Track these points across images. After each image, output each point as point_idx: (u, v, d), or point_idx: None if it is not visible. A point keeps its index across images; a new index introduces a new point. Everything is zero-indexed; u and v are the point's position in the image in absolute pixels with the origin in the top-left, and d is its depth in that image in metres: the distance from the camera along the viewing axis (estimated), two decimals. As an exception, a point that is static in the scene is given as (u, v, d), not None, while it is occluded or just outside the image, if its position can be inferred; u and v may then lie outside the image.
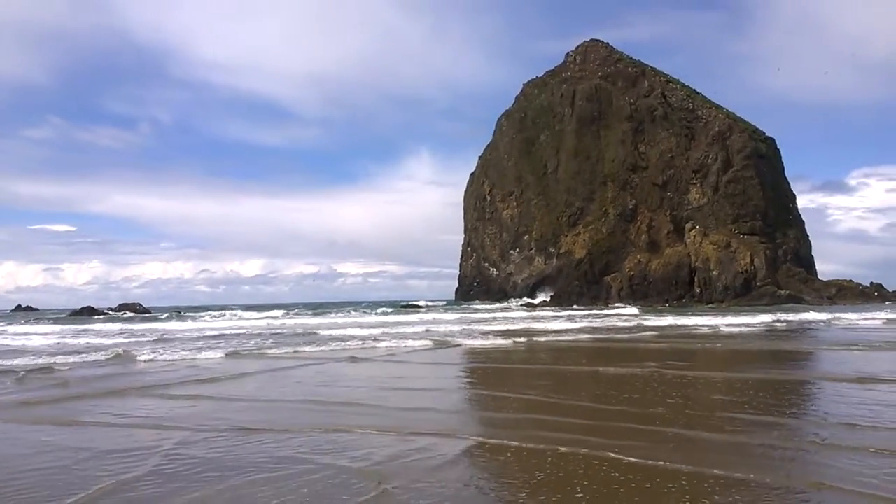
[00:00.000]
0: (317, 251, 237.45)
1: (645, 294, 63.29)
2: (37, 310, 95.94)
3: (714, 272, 61.77)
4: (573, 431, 6.41)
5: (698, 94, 75.72)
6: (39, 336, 24.32)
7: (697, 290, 62.22)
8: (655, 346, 17.20)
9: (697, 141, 69.89)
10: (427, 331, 22.98)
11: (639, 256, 67.26)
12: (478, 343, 18.57)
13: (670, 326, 25.27)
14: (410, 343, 18.47)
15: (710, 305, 55.22)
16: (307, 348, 16.87)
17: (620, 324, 27.59)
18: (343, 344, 18.05)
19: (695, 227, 65.44)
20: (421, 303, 75.27)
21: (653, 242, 68.15)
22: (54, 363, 13.63)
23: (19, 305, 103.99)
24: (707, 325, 25.13)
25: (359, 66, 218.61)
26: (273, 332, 24.98)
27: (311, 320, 36.86)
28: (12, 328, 32.62)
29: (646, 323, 27.63)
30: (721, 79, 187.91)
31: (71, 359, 14.56)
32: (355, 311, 55.30)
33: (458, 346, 17.92)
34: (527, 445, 5.88)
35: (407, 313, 46.60)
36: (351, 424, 6.94)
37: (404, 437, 6.31)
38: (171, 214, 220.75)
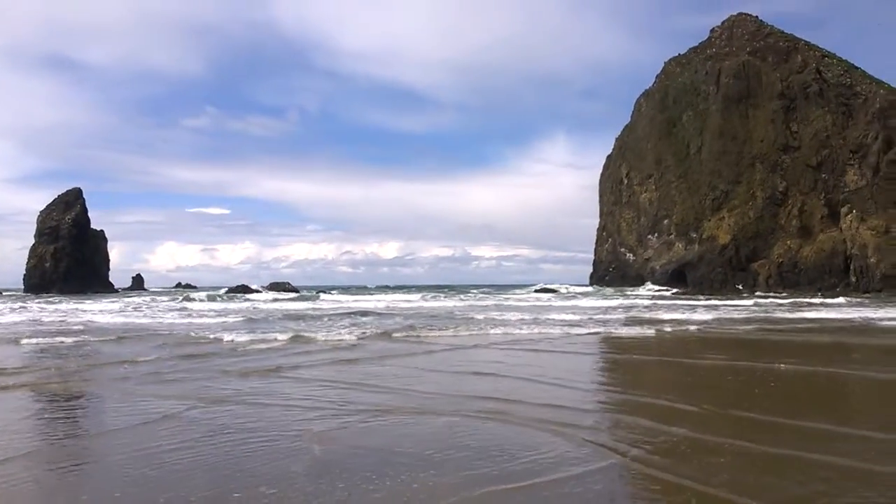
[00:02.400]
0: (451, 234, 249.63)
1: (795, 282, 65.39)
2: (195, 287, 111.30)
3: (872, 260, 62.29)
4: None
5: (857, 68, 75.33)
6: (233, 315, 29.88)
7: (853, 279, 62.56)
8: (829, 340, 16.97)
9: (856, 119, 70.21)
10: (583, 319, 23.81)
11: (789, 242, 69.22)
12: (623, 332, 18.90)
13: (836, 319, 24.11)
14: (552, 330, 19.03)
15: (867, 296, 56.61)
16: (444, 332, 18.41)
17: (779, 314, 27.47)
18: (488, 328, 19.51)
19: (851, 212, 65.95)
20: (559, 287, 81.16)
21: (804, 227, 69.65)
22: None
23: (179, 283, 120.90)
24: (875, 318, 24.08)
25: (496, 49, 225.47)
26: (413, 314, 28.79)
27: (451, 303, 41.29)
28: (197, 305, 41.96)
29: (806, 315, 26.97)
30: (882, 52, 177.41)
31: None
32: (487, 293, 62.02)
33: (598, 333, 18.50)
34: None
35: (546, 298, 51.78)
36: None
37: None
38: (316, 198, 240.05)
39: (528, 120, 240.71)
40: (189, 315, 27.31)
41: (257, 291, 69.66)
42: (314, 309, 33.23)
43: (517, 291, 71.06)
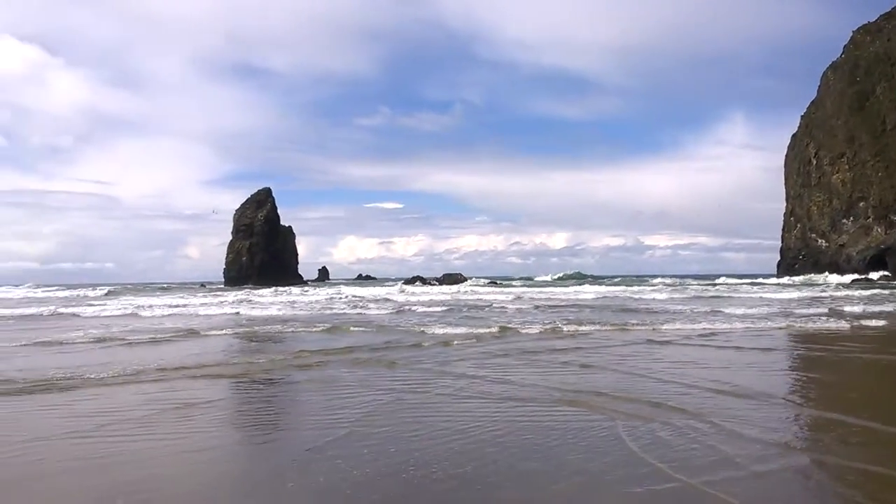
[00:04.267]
0: (622, 223, 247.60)
1: None
2: (374, 278, 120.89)
3: None
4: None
5: None
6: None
7: None
8: None
9: None
10: (772, 312, 22.93)
11: None
12: (819, 326, 17.61)
13: None
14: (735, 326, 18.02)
15: None
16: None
17: None
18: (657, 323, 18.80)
19: None
20: (738, 277, 79.14)
21: None
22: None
23: (360, 274, 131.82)
24: None
25: (660, 31, 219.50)
26: (601, 305, 29.71)
27: (630, 293, 41.28)
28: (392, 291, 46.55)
29: None
30: None
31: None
32: (668, 283, 62.24)
33: (790, 327, 17.42)
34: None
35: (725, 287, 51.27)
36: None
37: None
38: (483, 190, 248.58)
39: (701, 102, 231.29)
40: (402, 308, 29.20)
41: (431, 284, 74.79)
42: (500, 300, 35.88)
43: (693, 282, 70.59)
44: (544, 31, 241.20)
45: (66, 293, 58.06)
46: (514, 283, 78.77)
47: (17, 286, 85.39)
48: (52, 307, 31.57)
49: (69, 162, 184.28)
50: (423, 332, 17.36)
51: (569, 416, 7.05)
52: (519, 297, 36.98)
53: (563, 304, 31.22)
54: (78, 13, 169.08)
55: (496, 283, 71.73)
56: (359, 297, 41.00)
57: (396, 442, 6.09)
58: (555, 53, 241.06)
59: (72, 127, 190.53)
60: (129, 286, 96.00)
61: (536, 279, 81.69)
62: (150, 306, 31.78)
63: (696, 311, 24.74)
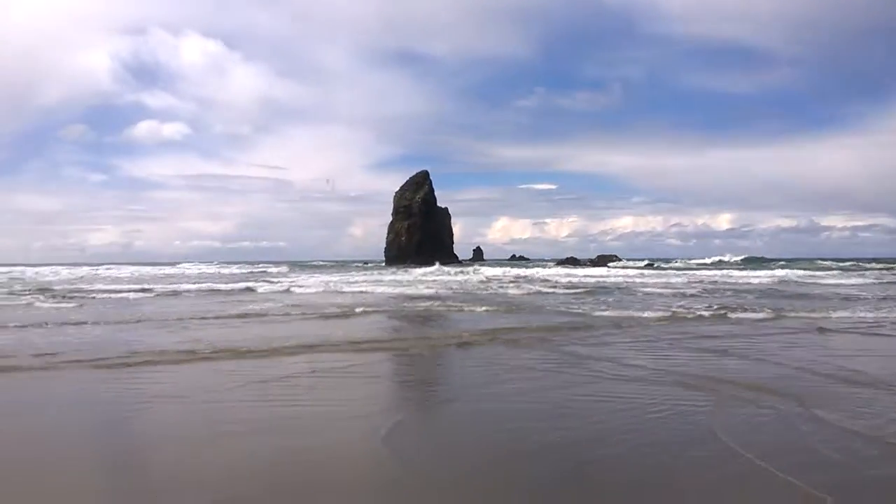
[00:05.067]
0: (794, 203, 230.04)
1: None
2: (528, 259, 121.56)
3: None
4: None
5: None
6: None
7: None
8: None
9: None
10: None
11: None
12: None
13: None
14: None
15: None
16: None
17: None
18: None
19: None
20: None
21: None
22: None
23: (514, 255, 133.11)
24: None
25: None
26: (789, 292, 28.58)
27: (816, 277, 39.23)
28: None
29: None
30: None
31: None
32: (845, 267, 57.25)
33: None
34: None
35: None
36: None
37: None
38: (640, 169, 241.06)
39: (883, 72, 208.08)
40: (556, 289, 31.38)
41: (585, 265, 74.17)
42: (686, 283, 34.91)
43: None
44: (707, 2, 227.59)
45: (250, 270, 63.56)
46: (674, 265, 76.14)
47: (204, 263, 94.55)
48: (251, 283, 34.98)
49: (247, 148, 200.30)
50: (581, 313, 17.60)
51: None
52: (688, 281, 35.88)
53: (727, 288, 30.09)
54: (253, 10, 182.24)
55: (652, 265, 69.73)
56: (514, 277, 41.73)
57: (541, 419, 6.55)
58: (718, 25, 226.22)
59: (249, 116, 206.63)
60: (299, 263, 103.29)
61: (698, 261, 78.30)
62: (323, 282, 34.41)
63: (875, 297, 23.13)
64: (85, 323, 15.11)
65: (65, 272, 55.22)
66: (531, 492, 4.53)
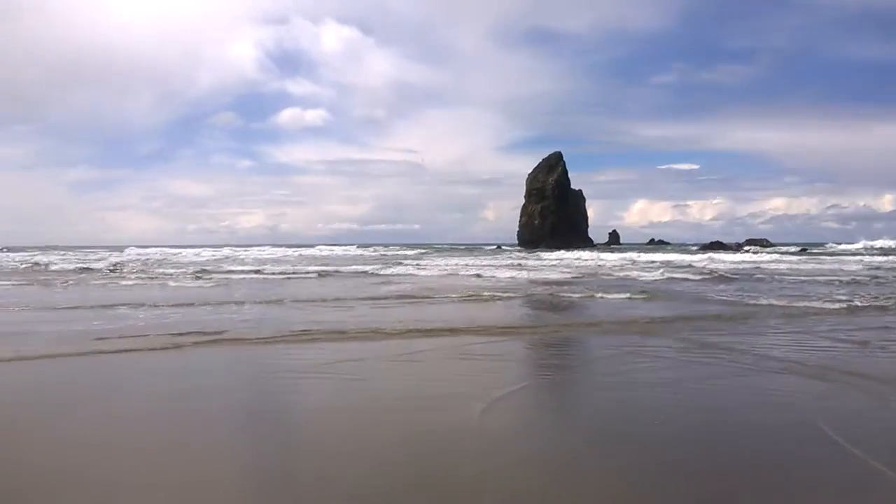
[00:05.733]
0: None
1: None
2: (667, 243, 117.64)
3: None
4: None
5: None
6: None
7: None
8: None
9: None
10: None
11: None
12: None
13: None
14: None
15: None
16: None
17: None
18: None
19: None
20: None
21: None
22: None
23: (652, 239, 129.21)
24: None
25: None
26: None
27: None
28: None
29: None
30: None
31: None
32: None
33: None
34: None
35: None
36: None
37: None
38: (793, 147, 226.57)
39: None
40: (704, 275, 29.84)
41: (733, 250, 70.79)
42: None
43: None
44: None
45: (383, 252, 65.97)
46: (829, 249, 71.10)
47: (341, 245, 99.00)
48: (387, 266, 36.60)
49: (383, 133, 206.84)
50: (729, 301, 17.08)
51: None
52: (851, 269, 33.17)
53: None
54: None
55: (805, 251, 65.48)
56: (652, 262, 40.78)
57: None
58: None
59: (385, 100, 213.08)
60: (432, 246, 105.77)
61: (857, 246, 72.53)
62: (455, 266, 35.35)
63: None
64: (243, 303, 16.53)
65: (218, 253, 59.72)
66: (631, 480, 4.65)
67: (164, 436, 5.61)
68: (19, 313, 14.73)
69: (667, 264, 38.29)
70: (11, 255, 59.97)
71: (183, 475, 4.60)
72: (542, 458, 5.15)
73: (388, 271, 32.44)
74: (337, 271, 32.68)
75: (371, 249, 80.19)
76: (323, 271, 32.62)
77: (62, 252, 69.55)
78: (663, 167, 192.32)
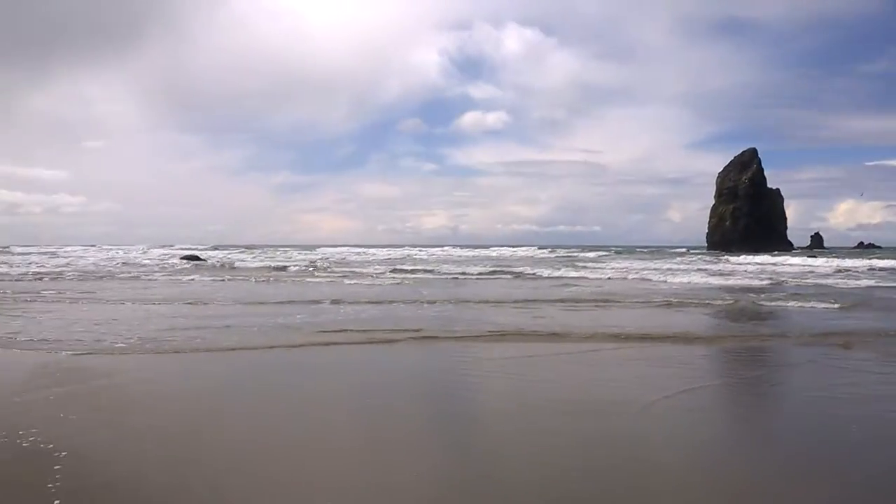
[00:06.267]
0: None
1: None
2: (879, 247, 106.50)
3: None
4: None
5: None
6: None
7: None
8: None
9: None
10: None
11: None
12: None
13: None
14: None
15: None
16: None
17: None
18: None
19: None
20: None
21: None
22: None
23: (861, 243, 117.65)
24: None
25: None
26: None
27: None
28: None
29: None
30: None
31: None
32: None
33: None
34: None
35: None
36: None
37: None
38: None
39: None
40: None
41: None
42: None
43: None
44: None
45: (566, 254, 65.94)
46: None
47: (521, 246, 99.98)
48: (567, 269, 36.87)
49: (563, 133, 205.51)
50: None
51: None
52: None
53: None
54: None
55: None
56: (861, 268, 37.42)
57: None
58: None
59: (565, 100, 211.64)
60: (614, 248, 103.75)
61: None
62: (637, 269, 34.74)
63: None
64: (434, 301, 17.63)
65: (402, 252, 62.80)
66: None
67: (357, 429, 6.28)
68: (233, 307, 16.75)
69: (876, 271, 35.03)
70: (219, 252, 66.89)
71: (370, 474, 4.96)
72: (734, 470, 5.24)
73: (570, 274, 32.61)
74: (521, 273, 33.37)
75: (549, 251, 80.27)
76: (503, 272, 33.48)
77: (261, 250, 76.54)
78: (873, 164, 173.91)
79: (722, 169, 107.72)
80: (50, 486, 4.50)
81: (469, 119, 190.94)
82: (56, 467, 4.83)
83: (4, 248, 77.85)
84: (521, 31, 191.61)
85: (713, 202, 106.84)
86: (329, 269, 35.79)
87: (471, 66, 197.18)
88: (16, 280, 27.63)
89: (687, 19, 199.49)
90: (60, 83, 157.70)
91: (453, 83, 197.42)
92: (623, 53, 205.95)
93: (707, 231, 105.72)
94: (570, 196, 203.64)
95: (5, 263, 41.62)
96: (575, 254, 66.60)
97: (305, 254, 63.04)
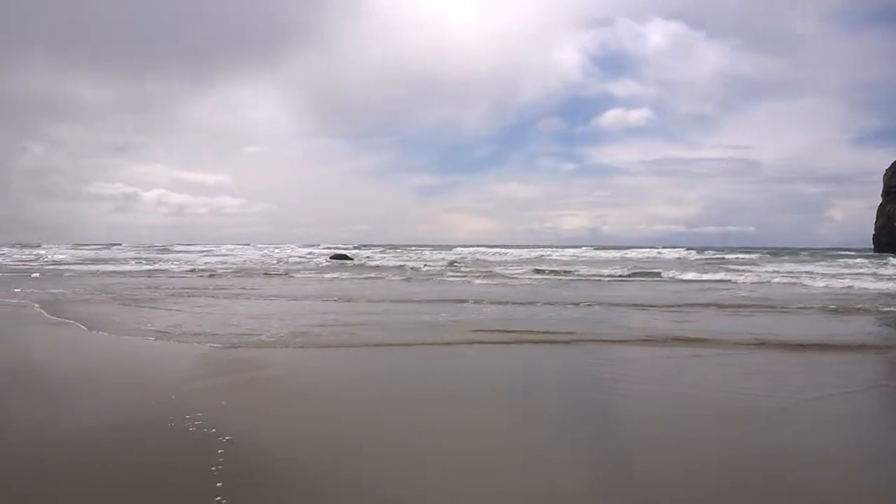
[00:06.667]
0: None
1: None
2: None
3: None
4: None
5: None
6: None
7: None
8: None
9: None
10: None
11: None
12: None
13: None
14: None
15: None
16: None
17: None
18: None
19: None
20: None
21: None
22: None
23: None
24: None
25: None
26: None
27: None
28: None
29: None
30: None
31: None
32: None
33: None
34: None
35: None
36: None
37: None
38: None
39: None
40: None
41: None
42: None
43: None
44: None
45: (717, 255, 62.84)
46: None
47: (668, 247, 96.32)
48: (721, 273, 35.09)
49: (710, 129, 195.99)
50: None
51: None
52: None
53: None
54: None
55: None
56: None
57: None
58: None
59: (713, 95, 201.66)
60: (770, 249, 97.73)
61: None
62: (794, 272, 32.34)
63: None
64: (578, 303, 17.17)
65: (534, 253, 62.29)
66: None
67: (506, 430, 6.18)
68: (378, 304, 17.11)
69: None
70: (363, 252, 69.21)
71: (523, 477, 4.92)
72: None
73: (718, 276, 30.86)
74: (666, 276, 32.02)
75: (697, 252, 76.70)
76: (647, 274, 32.25)
77: (401, 249, 78.49)
78: None
79: (890, 165, 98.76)
80: (213, 468, 4.70)
81: (610, 117, 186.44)
82: (219, 451, 5.02)
83: (168, 246, 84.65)
84: (666, 25, 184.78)
85: (880, 201, 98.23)
86: (468, 269, 35.99)
87: (612, 63, 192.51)
88: (179, 276, 29.83)
89: (841, 7, 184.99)
90: (220, 93, 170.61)
91: (593, 81, 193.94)
92: (773, 44, 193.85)
93: (873, 232, 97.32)
94: (719, 195, 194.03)
95: (168, 261, 45.18)
96: (725, 256, 63.15)
97: (443, 253, 63.89)
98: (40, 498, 4.35)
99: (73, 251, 68.63)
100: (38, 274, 30.60)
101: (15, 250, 67.51)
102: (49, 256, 54.41)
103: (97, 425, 5.83)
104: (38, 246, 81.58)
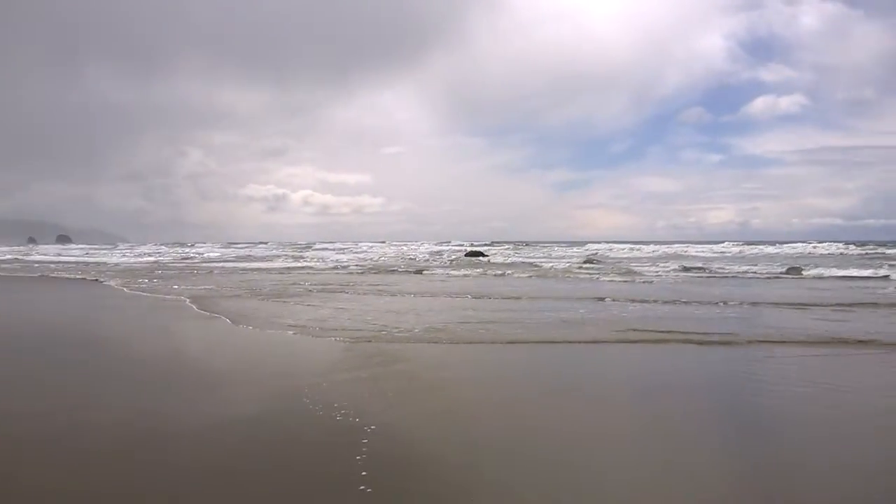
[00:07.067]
0: None
1: None
2: None
3: None
4: None
5: None
6: None
7: None
8: None
9: None
10: None
11: None
12: None
13: None
14: None
15: None
16: None
17: None
18: None
19: None
20: None
21: None
22: None
23: None
24: None
25: None
26: None
27: None
28: None
29: None
30: None
31: None
32: None
33: None
34: None
35: None
36: None
37: None
38: None
39: None
40: None
41: None
42: None
43: None
44: None
45: (881, 251, 57.84)
46: None
47: (824, 242, 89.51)
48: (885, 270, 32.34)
49: (873, 115, 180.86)
50: None
51: None
52: None
53: None
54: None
55: None
56: None
57: None
58: None
59: (875, 78, 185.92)
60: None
61: None
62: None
63: None
64: (726, 302, 16.28)
65: (671, 249, 59.75)
66: None
67: (650, 432, 5.98)
68: (513, 301, 16.99)
69: None
70: (496, 248, 69.11)
71: (665, 481, 4.76)
72: None
73: (881, 273, 28.27)
74: (821, 274, 29.75)
75: (857, 247, 70.70)
76: (800, 270, 30.11)
77: (535, 247, 77.71)
78: None
79: None
80: (358, 457, 4.86)
81: (759, 104, 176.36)
82: (363, 440, 5.14)
83: (309, 244, 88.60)
84: (821, 5, 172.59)
85: None
86: (605, 266, 35.12)
87: (761, 48, 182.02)
88: (320, 272, 31.13)
89: None
90: (361, 97, 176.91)
91: (741, 67, 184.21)
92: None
93: None
94: (882, 185, 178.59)
95: (311, 259, 47.31)
96: (888, 251, 57.86)
97: (577, 250, 62.83)
98: (224, 474, 4.63)
99: (224, 249, 73.52)
100: (193, 271, 32.91)
101: (175, 249, 73.25)
102: (204, 254, 58.71)
103: (256, 413, 6.11)
104: (193, 245, 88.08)
